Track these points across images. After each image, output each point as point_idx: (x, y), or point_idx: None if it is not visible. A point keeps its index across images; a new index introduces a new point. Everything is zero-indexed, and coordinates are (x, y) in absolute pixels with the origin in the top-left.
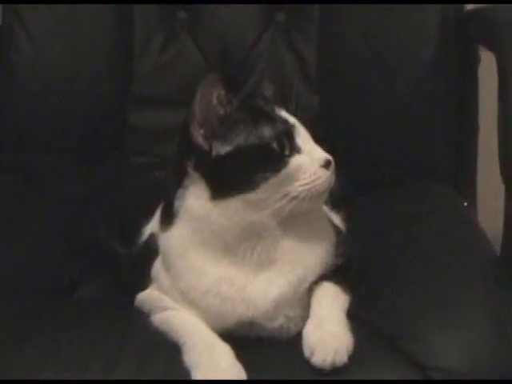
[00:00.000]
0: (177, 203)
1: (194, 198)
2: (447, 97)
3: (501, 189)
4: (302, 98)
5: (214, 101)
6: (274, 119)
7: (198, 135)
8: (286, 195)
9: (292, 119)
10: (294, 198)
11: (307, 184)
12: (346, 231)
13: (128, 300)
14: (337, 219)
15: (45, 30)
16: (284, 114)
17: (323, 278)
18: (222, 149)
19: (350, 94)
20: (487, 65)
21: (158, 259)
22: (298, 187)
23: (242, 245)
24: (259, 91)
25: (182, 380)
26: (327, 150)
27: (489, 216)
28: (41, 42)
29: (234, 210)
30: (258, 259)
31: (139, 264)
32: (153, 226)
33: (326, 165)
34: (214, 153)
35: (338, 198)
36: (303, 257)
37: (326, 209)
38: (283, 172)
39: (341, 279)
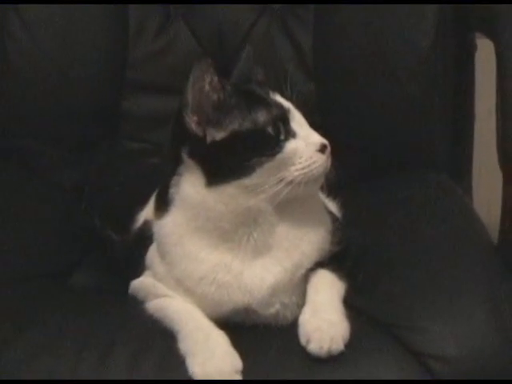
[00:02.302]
0: (172, 190)
1: (189, 185)
2: (444, 84)
3: (497, 177)
4: (297, 85)
5: (207, 87)
6: (268, 104)
7: (192, 122)
8: (281, 180)
9: (287, 104)
10: (290, 182)
11: (303, 168)
12: (342, 218)
13: (123, 287)
14: (333, 206)
15: (39, 16)
16: (279, 98)
17: (319, 265)
18: (216, 135)
19: (346, 81)
20: (483, 53)
21: (152, 246)
22: (293, 172)
23: (237, 231)
24: (251, 76)
25: (181, 380)
26: (323, 135)
27: (484, 205)
28: (35, 28)
29: (229, 196)
30: (254, 246)
31: (134, 251)
32: (147, 213)
33: (322, 149)
34: (208, 139)
35: (334, 184)
36: (299, 243)
37: (322, 196)
38: (278, 156)
39: (337, 266)
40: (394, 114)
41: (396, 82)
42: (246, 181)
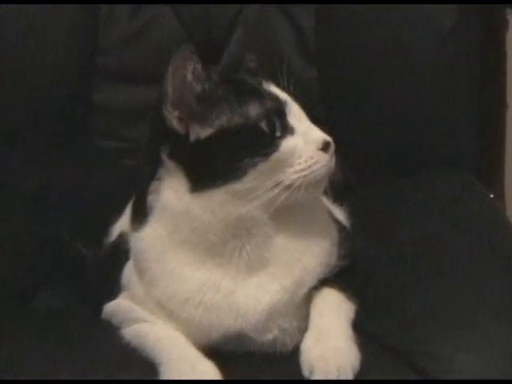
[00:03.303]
0: (150, 197)
1: (171, 191)
2: (469, 69)
3: None
4: (296, 73)
5: (189, 76)
6: (261, 95)
7: (173, 118)
8: (278, 184)
9: (283, 95)
10: (288, 186)
11: (303, 170)
12: (350, 227)
13: (94, 310)
14: (339, 213)
15: None
16: (274, 89)
17: (324, 282)
18: (201, 132)
19: (354, 68)
20: None
21: (129, 263)
22: (291, 174)
23: (228, 244)
24: (242, 63)
25: (181, 380)
26: (326, 131)
27: None
28: None
29: (217, 204)
30: (247, 261)
31: (107, 269)
32: (123, 224)
33: (325, 147)
34: (191, 137)
35: (340, 188)
36: (300, 257)
37: (326, 201)
38: (274, 156)
39: (345, 284)
40: (409, 105)
41: (413, 68)
42: (237, 185)
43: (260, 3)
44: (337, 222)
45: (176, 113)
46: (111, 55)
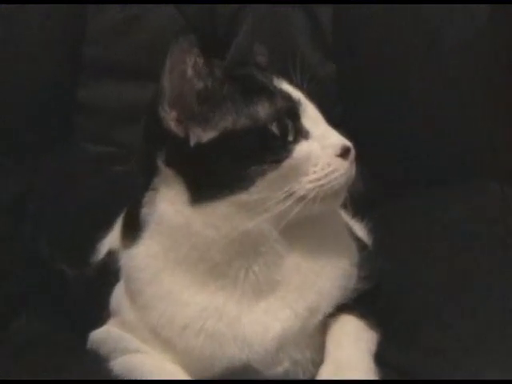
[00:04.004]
0: (144, 210)
1: (168, 203)
2: (507, 62)
3: None
4: (312, 67)
5: (190, 72)
6: (272, 93)
7: (170, 119)
8: (290, 195)
9: (297, 93)
10: (302, 198)
11: (319, 179)
12: (372, 245)
13: (79, 338)
14: (360, 229)
15: None
16: (286, 86)
17: (342, 308)
18: (202, 135)
19: (377, 62)
20: None
21: (119, 285)
22: (306, 183)
23: (232, 264)
24: (251, 57)
25: (181, 380)
26: (346, 135)
27: None
28: None
29: (221, 217)
30: (254, 283)
31: (94, 291)
32: (112, 240)
33: (344, 153)
34: (192, 141)
35: (361, 200)
36: (315, 280)
37: (345, 215)
38: (286, 163)
39: (365, 310)
40: (440, 106)
41: (444, 64)
42: (244, 196)
43: None
44: (357, 239)
45: (174, 113)
46: (100, 46)
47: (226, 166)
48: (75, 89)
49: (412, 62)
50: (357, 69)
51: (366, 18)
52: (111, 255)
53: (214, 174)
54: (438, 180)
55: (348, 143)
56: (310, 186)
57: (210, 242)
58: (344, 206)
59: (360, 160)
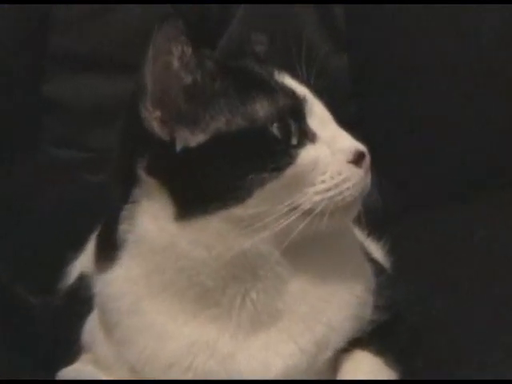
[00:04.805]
0: (122, 227)
1: (150, 218)
2: None
3: None
4: (320, 59)
5: (176, 64)
6: (272, 89)
7: (153, 119)
8: (294, 208)
9: (302, 89)
10: (308, 212)
11: (328, 190)
12: (391, 269)
13: (45, 377)
14: (376, 250)
15: None
16: (289, 81)
17: (355, 343)
18: (191, 139)
19: (395, 53)
20: None
21: (92, 315)
22: (313, 195)
23: (227, 290)
24: (247, 47)
25: (183, 380)
26: (359, 138)
27: None
28: None
29: (213, 235)
30: (252, 312)
31: (62, 322)
32: (84, 262)
33: (358, 159)
34: (178, 146)
35: (377, 215)
36: (323, 309)
37: (359, 233)
38: (289, 171)
39: (383, 346)
40: (470, 104)
41: (476, 53)
42: (239, 210)
43: None
44: (373, 261)
45: (157, 113)
46: (68, 35)
47: (219, 174)
48: (40, 83)
49: (439, 53)
50: (373, 60)
51: (382, 10)
52: (83, 280)
53: (205, 185)
54: (465, 191)
55: (362, 147)
56: (317, 197)
57: (200, 265)
58: (358, 221)
59: (376, 167)
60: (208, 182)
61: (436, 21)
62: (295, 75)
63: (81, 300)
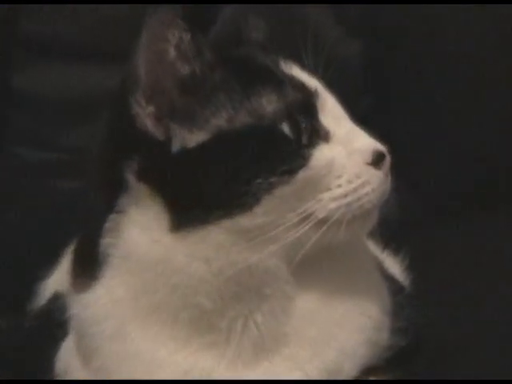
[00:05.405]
0: (106, 240)
1: (140, 230)
2: None
3: None
4: (331, 46)
5: (173, 52)
6: (279, 82)
7: (146, 116)
8: (307, 217)
9: (312, 81)
10: (322, 221)
11: (345, 196)
12: (410, 287)
13: None
14: (394, 265)
15: None
16: (298, 72)
17: (370, 371)
18: (189, 138)
19: (416, 39)
20: None
21: (67, 340)
22: (328, 202)
23: (226, 312)
24: (246, 33)
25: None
26: (378, 137)
27: None
28: None
29: (213, 249)
30: (255, 337)
31: (33, 348)
32: (58, 280)
33: (377, 161)
34: (174, 146)
35: (395, 226)
36: (335, 333)
37: (374, 247)
38: (301, 175)
39: (401, 374)
40: (495, 98)
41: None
42: (245, 220)
43: None
44: (389, 278)
45: (151, 108)
46: (41, 19)
47: (221, 179)
48: (9, 75)
49: (457, 38)
50: (390, 48)
51: None
52: (57, 301)
53: (205, 191)
54: (494, 199)
55: (381, 147)
56: (333, 204)
57: (197, 282)
58: (372, 233)
59: (395, 170)
60: (208, 188)
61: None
62: (303, 65)
63: (55, 323)
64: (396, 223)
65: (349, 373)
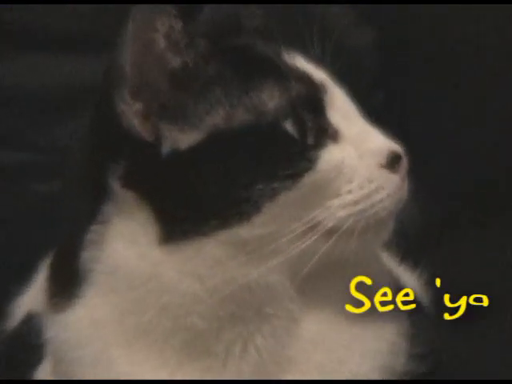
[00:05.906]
0: (86, 253)
1: (126, 242)
2: None
3: None
4: (341, 34)
5: (162, 42)
6: (282, 75)
7: (132, 114)
8: (313, 227)
9: (319, 74)
10: (331, 231)
11: (356, 202)
12: (429, 306)
13: None
14: (411, 281)
15: None
16: (302, 63)
17: None
18: (181, 138)
19: (436, 25)
20: None
21: (43, 366)
22: (337, 209)
23: (223, 334)
24: (241, 20)
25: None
26: (394, 136)
27: None
28: None
29: (208, 263)
30: (256, 362)
31: (5, 375)
32: (32, 299)
33: (392, 163)
34: (165, 147)
35: (413, 237)
36: (344, 357)
37: (389, 260)
38: (307, 179)
39: None
40: None
41: None
42: (244, 231)
43: None
44: None
45: (138, 106)
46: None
47: (217, 184)
48: None
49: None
50: (407, 36)
51: None
52: (31, 322)
53: (198, 198)
54: None
55: (397, 148)
56: (342, 212)
57: (191, 301)
58: (387, 245)
59: (412, 174)
60: (202, 195)
61: None
62: (309, 56)
63: (29, 346)
64: (414, 234)
65: None
